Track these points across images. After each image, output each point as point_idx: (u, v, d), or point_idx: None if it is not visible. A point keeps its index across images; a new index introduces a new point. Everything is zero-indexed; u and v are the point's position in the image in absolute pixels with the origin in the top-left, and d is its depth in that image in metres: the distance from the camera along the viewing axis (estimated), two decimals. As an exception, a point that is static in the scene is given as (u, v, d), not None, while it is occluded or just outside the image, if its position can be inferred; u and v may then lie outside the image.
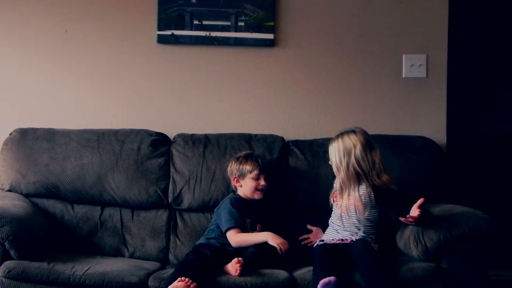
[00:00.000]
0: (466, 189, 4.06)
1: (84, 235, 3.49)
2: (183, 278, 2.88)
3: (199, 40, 3.84)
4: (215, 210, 3.41)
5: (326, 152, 3.51)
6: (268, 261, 3.12)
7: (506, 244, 3.97)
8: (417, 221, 3.05)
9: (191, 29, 3.84)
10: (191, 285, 2.87)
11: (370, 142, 3.27)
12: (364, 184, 3.25)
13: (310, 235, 3.48)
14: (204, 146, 3.59)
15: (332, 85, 3.89)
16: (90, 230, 3.51)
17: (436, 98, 3.88)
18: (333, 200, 3.34)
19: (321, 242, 3.27)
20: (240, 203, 3.36)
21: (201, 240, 3.35)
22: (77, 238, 3.48)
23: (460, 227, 3.06)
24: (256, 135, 3.67)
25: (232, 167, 3.43)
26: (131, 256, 3.47)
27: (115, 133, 3.62)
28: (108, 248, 3.48)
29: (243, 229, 3.29)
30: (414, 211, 3.04)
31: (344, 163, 3.23)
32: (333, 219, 3.34)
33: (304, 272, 3.09)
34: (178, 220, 3.55)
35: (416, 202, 3.17)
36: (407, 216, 3.05)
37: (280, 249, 3.16)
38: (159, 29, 3.82)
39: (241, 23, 3.84)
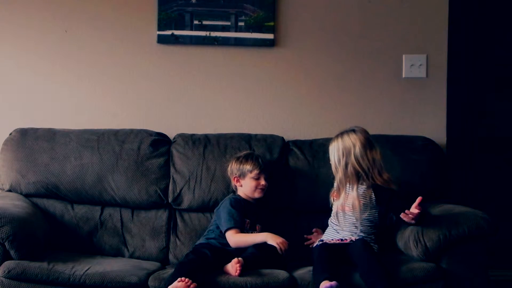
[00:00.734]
0: (466, 189, 4.06)
1: (84, 235, 3.49)
2: (183, 278, 2.88)
3: (199, 40, 3.84)
4: (214, 210, 3.41)
5: (326, 152, 3.51)
6: (268, 261, 3.12)
7: (506, 244, 3.97)
8: (417, 219, 3.05)
9: (191, 29, 3.84)
10: (191, 285, 2.87)
11: (370, 141, 3.27)
12: (365, 184, 3.25)
13: (312, 236, 3.48)
14: (204, 146, 3.59)
15: (332, 85, 3.89)
16: (90, 230, 3.50)
17: (436, 98, 3.88)
18: (333, 199, 3.34)
19: (321, 242, 3.27)
20: (239, 203, 3.36)
21: (201, 240, 3.35)
22: (77, 238, 3.48)
23: (460, 227, 3.06)
24: (256, 135, 3.67)
25: (233, 167, 3.43)
26: (131, 256, 3.47)
27: (115, 133, 3.62)
28: (108, 248, 3.48)
29: (243, 229, 3.29)
30: (414, 209, 3.04)
31: (342, 163, 3.24)
32: (332, 219, 3.34)
33: (304, 272, 3.09)
34: (178, 220, 3.55)
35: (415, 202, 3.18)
36: (406, 211, 3.04)
37: (280, 248, 3.16)
38: (159, 29, 3.82)
39: (241, 23, 3.84)
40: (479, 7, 4.13)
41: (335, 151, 3.27)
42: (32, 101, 3.83)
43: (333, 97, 3.88)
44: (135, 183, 3.52)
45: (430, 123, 3.87)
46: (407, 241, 3.18)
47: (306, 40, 3.88)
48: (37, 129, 3.64)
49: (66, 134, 3.61)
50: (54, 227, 3.45)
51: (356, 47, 3.88)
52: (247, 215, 3.34)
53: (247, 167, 3.39)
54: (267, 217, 3.43)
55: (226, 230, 3.27)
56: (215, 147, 3.59)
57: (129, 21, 3.84)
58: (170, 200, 3.55)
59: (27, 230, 3.14)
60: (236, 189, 3.45)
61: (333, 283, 2.84)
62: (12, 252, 3.06)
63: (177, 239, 3.51)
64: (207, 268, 3.03)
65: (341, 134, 3.30)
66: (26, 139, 3.58)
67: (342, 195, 3.26)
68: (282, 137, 3.69)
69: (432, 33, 3.88)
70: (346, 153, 3.24)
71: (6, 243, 3.05)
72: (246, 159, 3.41)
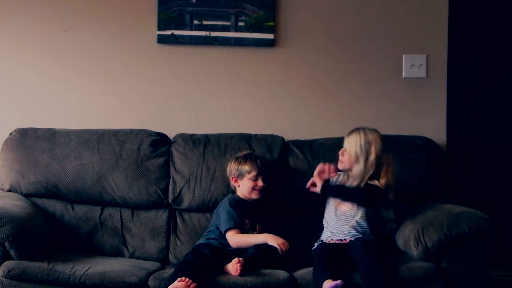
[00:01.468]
0: (466, 189, 4.06)
1: (84, 235, 3.49)
2: (183, 278, 2.87)
3: (199, 40, 3.84)
4: (214, 211, 3.41)
5: (326, 152, 3.53)
6: (269, 261, 3.12)
7: (506, 244, 3.98)
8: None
9: (191, 29, 3.84)
10: (191, 285, 2.87)
11: (386, 143, 3.30)
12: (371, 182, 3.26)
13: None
14: (204, 146, 3.59)
15: (332, 85, 3.89)
16: (90, 230, 3.50)
17: (436, 98, 3.88)
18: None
19: (320, 242, 3.27)
20: (239, 203, 3.36)
21: (201, 240, 3.35)
22: (77, 238, 3.48)
23: (460, 227, 3.06)
24: (256, 135, 3.67)
25: (231, 167, 3.43)
26: (131, 256, 3.47)
27: (115, 133, 3.62)
28: (108, 248, 3.48)
29: (242, 229, 3.29)
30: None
31: (364, 153, 3.24)
32: (327, 217, 3.33)
33: (304, 273, 3.09)
34: (178, 220, 3.55)
35: (416, 202, 3.19)
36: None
37: (281, 249, 3.16)
38: (159, 29, 3.82)
39: (241, 23, 3.84)
40: (479, 7, 4.13)
41: (357, 141, 3.27)
42: (32, 101, 3.83)
43: (333, 97, 3.89)
44: (135, 183, 3.52)
45: (430, 123, 3.87)
46: (407, 240, 3.18)
47: (306, 40, 3.88)
48: (37, 129, 3.64)
49: (66, 134, 3.61)
50: (54, 227, 3.45)
51: (356, 47, 3.88)
52: (246, 215, 3.34)
53: (246, 167, 3.38)
54: (267, 217, 3.43)
55: (226, 231, 3.26)
56: (215, 147, 3.59)
57: (129, 21, 3.84)
58: (170, 200, 3.55)
59: (27, 230, 3.14)
60: (235, 189, 3.45)
61: (338, 282, 2.84)
62: (12, 252, 3.06)
63: (177, 239, 3.51)
64: (207, 268, 3.03)
65: (362, 128, 3.31)
66: (26, 139, 3.58)
67: (365, 180, 3.26)
68: (282, 137, 3.69)
69: (432, 33, 3.88)
70: (368, 146, 3.25)
71: (6, 243, 3.05)
72: (245, 159, 3.41)
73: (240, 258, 3.00)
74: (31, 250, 3.11)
